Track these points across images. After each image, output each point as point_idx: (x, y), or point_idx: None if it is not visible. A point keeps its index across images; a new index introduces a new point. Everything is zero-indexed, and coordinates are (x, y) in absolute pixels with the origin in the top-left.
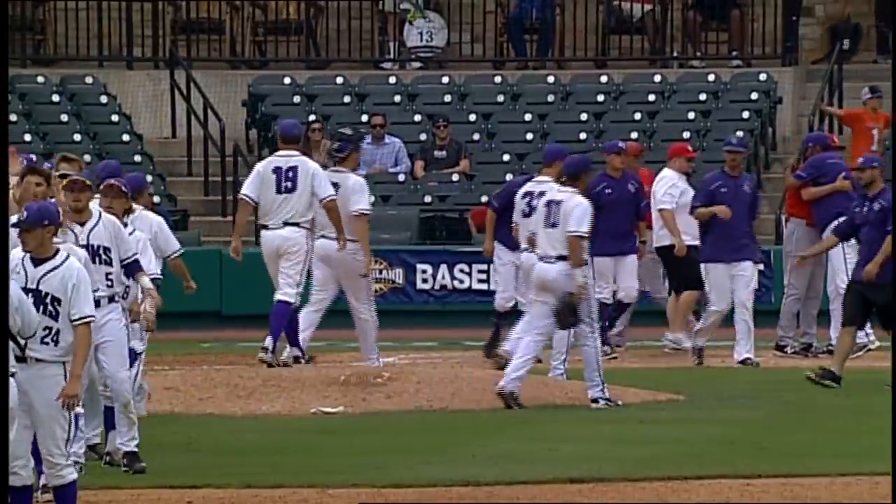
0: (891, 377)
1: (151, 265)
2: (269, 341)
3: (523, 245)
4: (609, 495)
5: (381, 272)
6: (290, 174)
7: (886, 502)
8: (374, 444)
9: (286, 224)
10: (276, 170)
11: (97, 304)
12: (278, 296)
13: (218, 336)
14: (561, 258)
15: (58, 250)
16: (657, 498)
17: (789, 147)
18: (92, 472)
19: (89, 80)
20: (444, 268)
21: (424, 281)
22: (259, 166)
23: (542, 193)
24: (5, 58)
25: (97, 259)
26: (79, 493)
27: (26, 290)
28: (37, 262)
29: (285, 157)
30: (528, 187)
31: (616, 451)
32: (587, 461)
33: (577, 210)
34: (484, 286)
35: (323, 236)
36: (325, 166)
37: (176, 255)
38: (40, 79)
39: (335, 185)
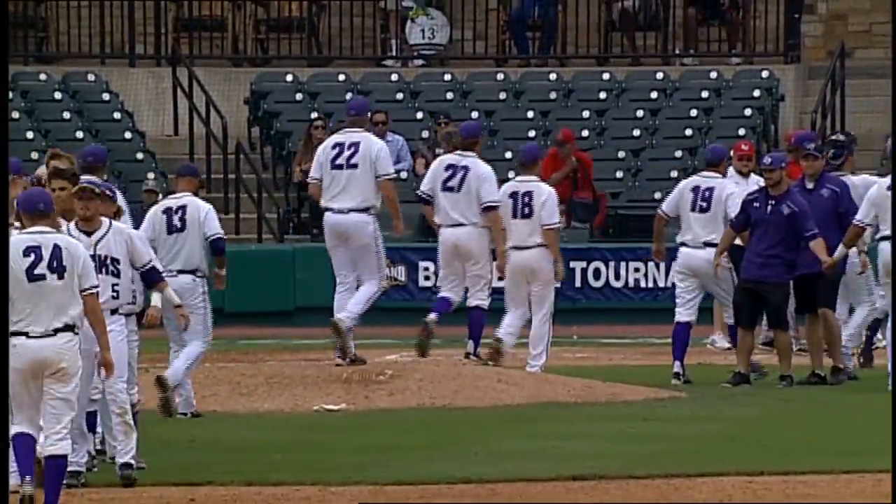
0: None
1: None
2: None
3: None
4: (611, 493)
5: None
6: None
7: (888, 501)
8: (376, 442)
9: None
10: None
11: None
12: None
13: (220, 334)
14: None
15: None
16: (659, 495)
17: None
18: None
19: (91, 77)
20: None
21: (426, 278)
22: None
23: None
24: (5, 55)
25: (104, 269)
26: (82, 492)
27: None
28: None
29: (458, 156)
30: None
31: (618, 448)
32: (589, 458)
33: None
34: None
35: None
36: None
37: None
38: (42, 76)
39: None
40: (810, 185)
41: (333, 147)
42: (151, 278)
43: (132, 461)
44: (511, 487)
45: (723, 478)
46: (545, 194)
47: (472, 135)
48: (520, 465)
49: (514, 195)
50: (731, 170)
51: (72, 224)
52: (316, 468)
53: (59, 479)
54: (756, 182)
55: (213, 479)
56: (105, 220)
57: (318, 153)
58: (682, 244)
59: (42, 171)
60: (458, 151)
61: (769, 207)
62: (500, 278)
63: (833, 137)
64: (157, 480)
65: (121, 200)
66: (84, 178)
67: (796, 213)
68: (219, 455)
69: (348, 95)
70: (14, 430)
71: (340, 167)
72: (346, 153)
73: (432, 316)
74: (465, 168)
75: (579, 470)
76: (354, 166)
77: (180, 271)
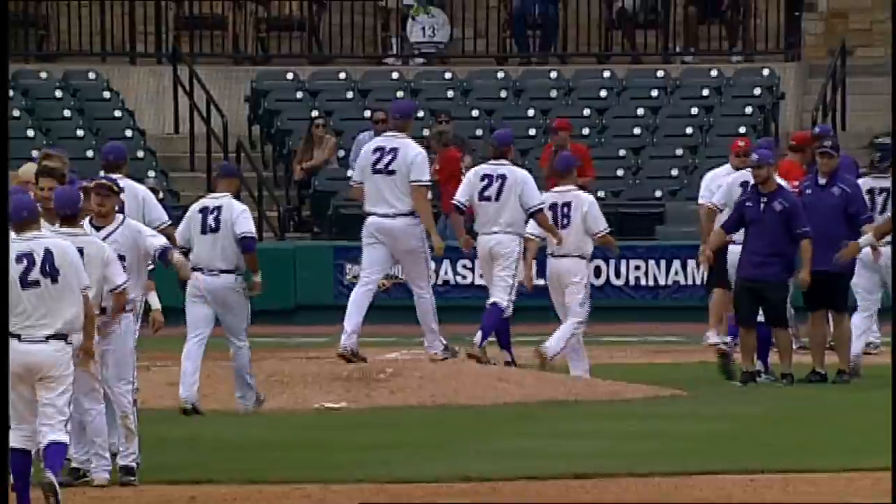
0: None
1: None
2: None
3: None
4: (612, 491)
5: None
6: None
7: (888, 499)
8: (378, 440)
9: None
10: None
11: (104, 311)
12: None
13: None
14: None
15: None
16: (660, 493)
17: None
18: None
19: (92, 75)
20: (446, 263)
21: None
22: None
23: None
24: (6, 53)
25: None
26: (82, 490)
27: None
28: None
29: (493, 166)
30: None
31: (619, 446)
32: (590, 457)
33: None
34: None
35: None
36: (326, 162)
37: (163, 225)
38: (43, 74)
39: None
40: (822, 182)
41: (374, 151)
42: (166, 255)
43: (133, 464)
44: (511, 486)
45: (723, 476)
46: (586, 204)
47: (505, 143)
48: (520, 463)
49: (553, 206)
50: (727, 166)
51: (86, 219)
52: (317, 466)
53: (58, 460)
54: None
55: (214, 478)
56: (119, 217)
57: (361, 156)
58: (733, 242)
59: (24, 169)
60: (492, 160)
61: (762, 206)
62: (522, 283)
63: (878, 141)
64: (159, 478)
65: (150, 198)
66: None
67: (787, 210)
68: (220, 453)
69: (349, 94)
70: (12, 439)
71: (380, 172)
72: (386, 158)
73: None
74: (503, 177)
75: (580, 468)
76: (392, 172)
77: (222, 271)
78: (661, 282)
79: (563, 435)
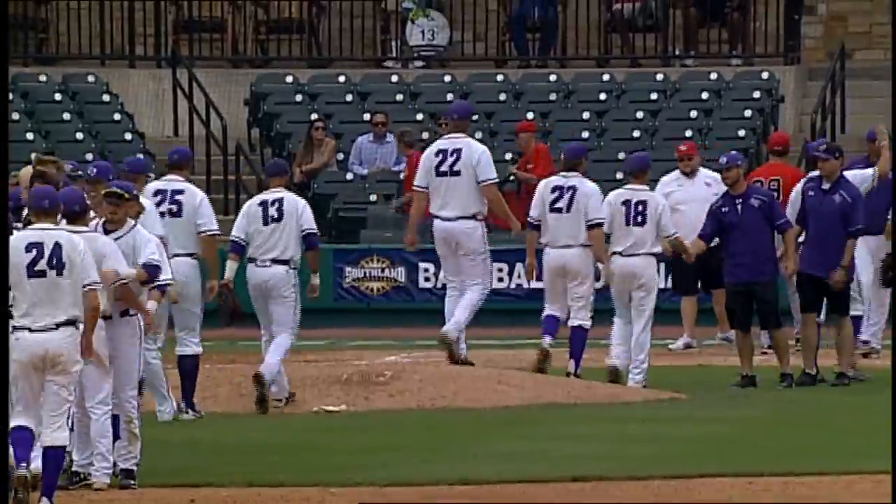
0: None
1: (167, 270)
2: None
3: None
4: (611, 494)
5: (382, 271)
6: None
7: (888, 502)
8: (376, 443)
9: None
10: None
11: (109, 317)
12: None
13: (220, 334)
14: None
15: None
16: (659, 496)
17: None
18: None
19: (91, 78)
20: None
21: (426, 279)
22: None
23: None
24: (6, 56)
25: None
26: (82, 493)
27: None
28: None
29: (563, 178)
30: None
31: (618, 449)
32: (589, 460)
33: None
34: None
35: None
36: (325, 165)
37: (207, 233)
38: (42, 77)
39: None
40: (826, 186)
41: (437, 154)
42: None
43: (133, 467)
44: (510, 488)
45: (723, 479)
46: (661, 206)
47: (577, 156)
48: (519, 466)
49: (626, 203)
50: (676, 172)
51: (99, 222)
52: (316, 469)
53: (56, 469)
54: (704, 180)
55: (214, 481)
56: (130, 222)
57: (423, 160)
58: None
59: (24, 172)
60: (563, 172)
61: (739, 208)
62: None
63: None
64: (157, 481)
65: (205, 204)
66: (168, 176)
67: (766, 204)
68: (219, 456)
69: (348, 97)
70: (13, 423)
71: (444, 174)
72: (449, 160)
73: (547, 339)
74: (573, 188)
75: (579, 471)
76: (457, 173)
77: (274, 261)
78: (661, 284)
79: (563, 438)
